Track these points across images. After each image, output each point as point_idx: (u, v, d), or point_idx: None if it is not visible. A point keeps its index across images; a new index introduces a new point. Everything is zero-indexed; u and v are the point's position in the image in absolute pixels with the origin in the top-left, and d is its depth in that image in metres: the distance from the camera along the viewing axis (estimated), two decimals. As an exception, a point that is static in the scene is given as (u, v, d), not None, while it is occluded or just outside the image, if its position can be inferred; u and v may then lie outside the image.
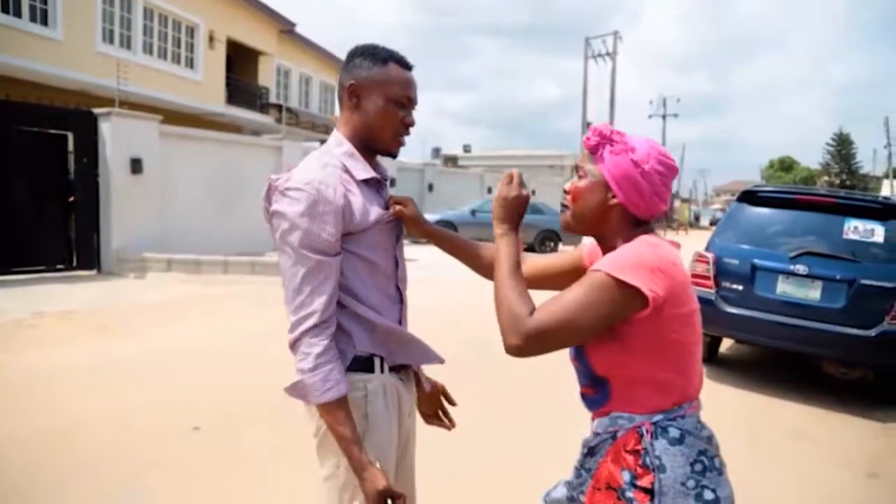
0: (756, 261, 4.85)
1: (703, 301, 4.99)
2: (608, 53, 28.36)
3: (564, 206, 1.32)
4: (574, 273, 1.40)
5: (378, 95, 1.41)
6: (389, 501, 1.30)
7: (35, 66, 12.56)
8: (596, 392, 1.27)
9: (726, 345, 6.13)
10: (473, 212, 16.64)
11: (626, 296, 1.12)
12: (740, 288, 4.90)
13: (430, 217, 9.15)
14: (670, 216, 38.90)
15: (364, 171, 1.43)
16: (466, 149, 39.39)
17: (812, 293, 4.60)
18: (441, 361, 1.56)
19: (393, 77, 1.41)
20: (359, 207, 1.38)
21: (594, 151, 1.26)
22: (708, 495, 1.16)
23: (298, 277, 1.33)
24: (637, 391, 1.21)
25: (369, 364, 1.43)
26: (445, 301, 8.04)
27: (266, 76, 21.38)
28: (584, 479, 1.28)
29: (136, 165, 9.79)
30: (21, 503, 2.70)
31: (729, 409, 4.43)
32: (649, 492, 1.15)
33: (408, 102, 1.44)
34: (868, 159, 66.10)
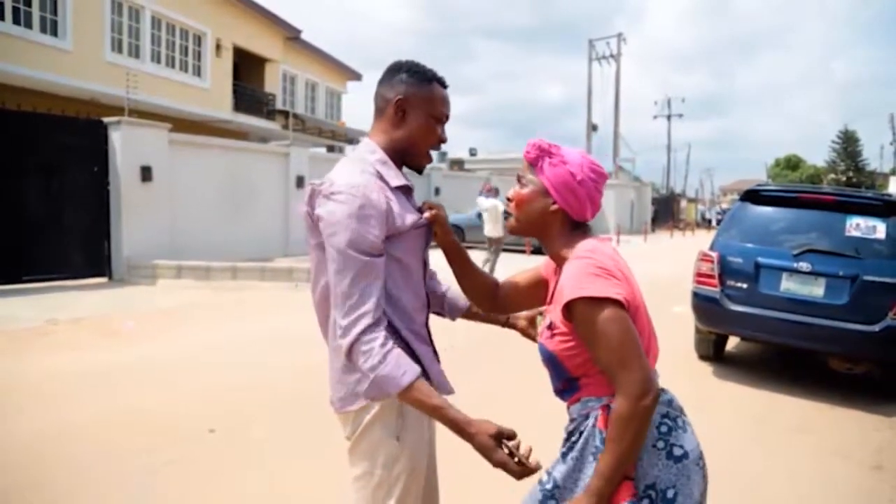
0: (760, 259, 4.90)
1: (709, 299, 5.07)
2: (612, 55, 28.39)
3: (508, 214, 1.47)
4: (538, 285, 1.60)
5: (422, 112, 1.50)
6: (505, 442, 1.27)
7: (45, 76, 12.75)
8: (568, 387, 1.39)
9: (732, 342, 6.17)
10: (480, 215, 16.68)
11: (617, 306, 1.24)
12: (745, 286, 4.94)
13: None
14: (677, 216, 38.79)
15: (397, 179, 1.49)
16: (472, 152, 39.33)
17: (816, 290, 4.64)
18: (450, 393, 1.54)
19: (437, 96, 1.52)
20: (398, 212, 1.43)
21: (534, 163, 1.42)
22: (677, 451, 1.30)
23: (347, 280, 1.33)
24: (604, 378, 1.30)
25: None
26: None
27: (272, 83, 21.54)
28: (569, 465, 1.34)
29: (145, 173, 9.92)
30: (36, 499, 2.79)
31: (734, 406, 4.48)
32: None
33: (446, 120, 1.55)
34: (875, 156, 65.79)
